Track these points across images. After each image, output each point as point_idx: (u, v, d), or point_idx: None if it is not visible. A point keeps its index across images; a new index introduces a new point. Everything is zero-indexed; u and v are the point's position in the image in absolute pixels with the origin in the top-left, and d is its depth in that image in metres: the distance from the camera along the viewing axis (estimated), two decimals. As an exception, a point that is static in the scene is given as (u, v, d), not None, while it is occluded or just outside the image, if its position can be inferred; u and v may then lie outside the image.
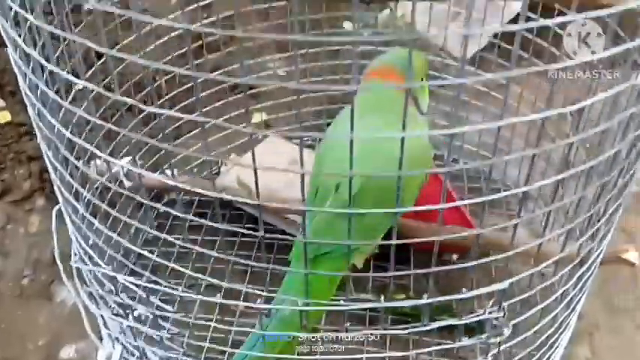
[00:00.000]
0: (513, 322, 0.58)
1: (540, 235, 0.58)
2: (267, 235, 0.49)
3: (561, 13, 0.81)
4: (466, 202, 0.50)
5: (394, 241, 0.48)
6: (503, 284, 0.52)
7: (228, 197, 0.46)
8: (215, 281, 0.57)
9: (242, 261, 0.54)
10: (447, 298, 0.52)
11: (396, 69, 0.72)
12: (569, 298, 0.67)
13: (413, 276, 0.84)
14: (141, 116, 0.89)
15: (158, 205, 0.53)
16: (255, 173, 0.46)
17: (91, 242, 0.68)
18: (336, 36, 1.11)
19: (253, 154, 0.46)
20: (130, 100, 0.44)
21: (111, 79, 0.49)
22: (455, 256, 0.92)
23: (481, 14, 0.92)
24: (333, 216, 0.67)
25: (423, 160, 0.70)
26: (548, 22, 0.38)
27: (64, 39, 0.72)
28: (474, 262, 0.52)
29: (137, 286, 0.59)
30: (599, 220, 0.62)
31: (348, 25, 1.25)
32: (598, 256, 0.67)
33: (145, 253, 0.59)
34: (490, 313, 0.55)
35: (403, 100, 0.40)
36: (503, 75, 0.39)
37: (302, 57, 1.04)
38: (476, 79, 0.40)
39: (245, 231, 0.50)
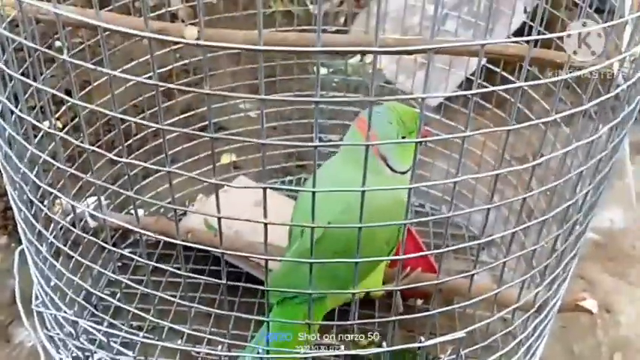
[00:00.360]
0: (473, 369, 0.59)
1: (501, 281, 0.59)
2: (230, 283, 0.49)
3: (521, 68, 0.85)
4: (429, 252, 0.51)
5: (356, 290, 0.49)
6: (460, 333, 0.53)
7: (191, 244, 0.47)
8: (177, 327, 0.57)
9: (204, 308, 0.54)
10: (406, 346, 0.53)
11: (367, 121, 0.72)
12: (528, 344, 0.68)
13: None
14: (109, 156, 0.89)
15: (120, 251, 0.53)
16: (219, 221, 0.47)
17: (52, 284, 0.67)
18: (301, 91, 1.14)
19: (217, 203, 0.46)
20: (94, 148, 0.45)
21: (79, 120, 0.50)
22: (420, 301, 0.93)
23: (446, 66, 0.95)
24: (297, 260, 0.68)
25: (388, 216, 0.71)
26: (502, 87, 0.40)
27: (35, 79, 0.73)
28: (436, 311, 0.53)
29: (98, 330, 0.59)
30: (556, 268, 0.63)
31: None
32: (555, 303, 0.69)
33: (106, 297, 0.59)
34: (448, 361, 0.56)
35: (369, 155, 0.43)
36: (458, 135, 0.41)
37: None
38: (447, 136, 0.42)
39: (208, 279, 0.50)
